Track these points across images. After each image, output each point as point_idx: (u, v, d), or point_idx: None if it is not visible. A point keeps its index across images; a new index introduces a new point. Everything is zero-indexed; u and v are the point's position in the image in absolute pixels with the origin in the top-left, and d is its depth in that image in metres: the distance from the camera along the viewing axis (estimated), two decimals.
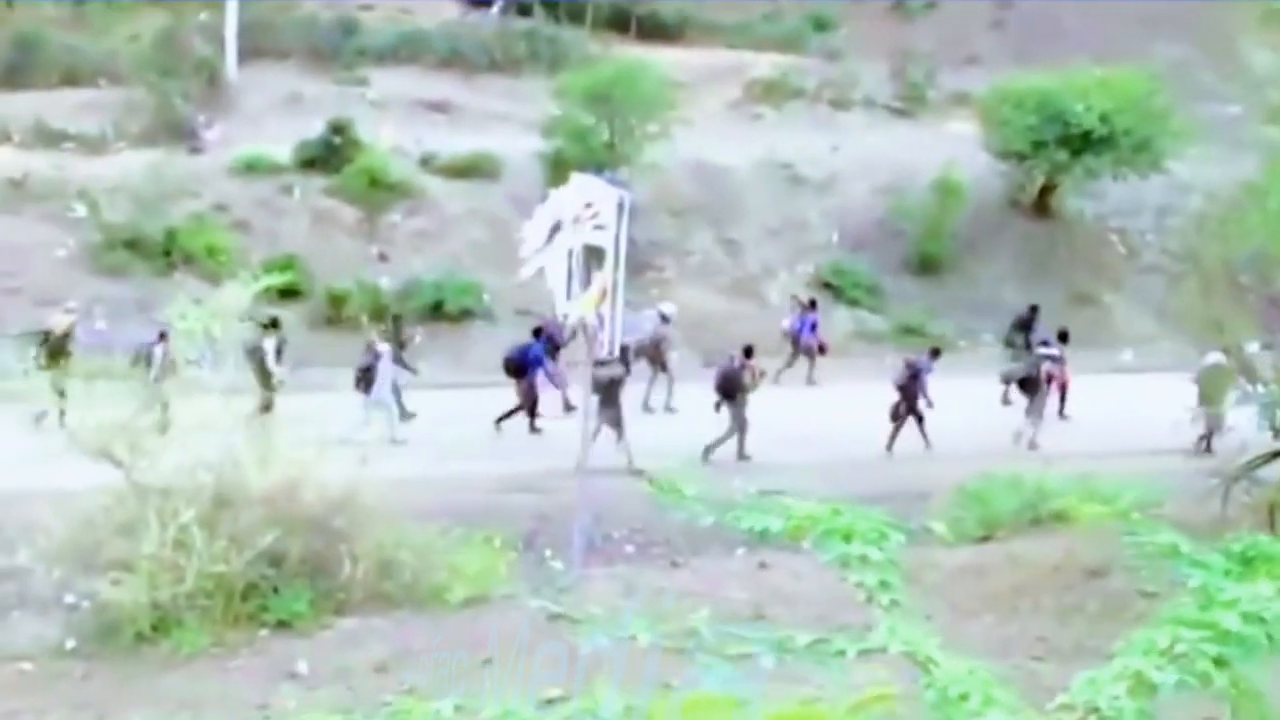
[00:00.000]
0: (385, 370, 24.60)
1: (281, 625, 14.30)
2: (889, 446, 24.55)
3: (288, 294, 30.91)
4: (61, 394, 17.92)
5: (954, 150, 36.60)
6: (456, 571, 15.02)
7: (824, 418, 25.58)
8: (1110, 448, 22.78)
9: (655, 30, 44.95)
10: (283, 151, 34.52)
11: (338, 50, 41.83)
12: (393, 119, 37.07)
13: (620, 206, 16.13)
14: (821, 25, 47.32)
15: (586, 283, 16.34)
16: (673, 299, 30.99)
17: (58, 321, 26.13)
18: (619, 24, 44.86)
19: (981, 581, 15.29)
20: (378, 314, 29.20)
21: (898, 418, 24.68)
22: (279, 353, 25.21)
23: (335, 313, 30.80)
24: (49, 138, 35.19)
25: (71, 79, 38.87)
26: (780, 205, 36.74)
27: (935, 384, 25.21)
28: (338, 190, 34.06)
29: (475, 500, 19.76)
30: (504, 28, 43.71)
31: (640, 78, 35.82)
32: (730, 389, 24.10)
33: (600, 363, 21.44)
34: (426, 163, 35.67)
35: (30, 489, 17.34)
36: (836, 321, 32.74)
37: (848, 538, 3.82)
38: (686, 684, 3.11)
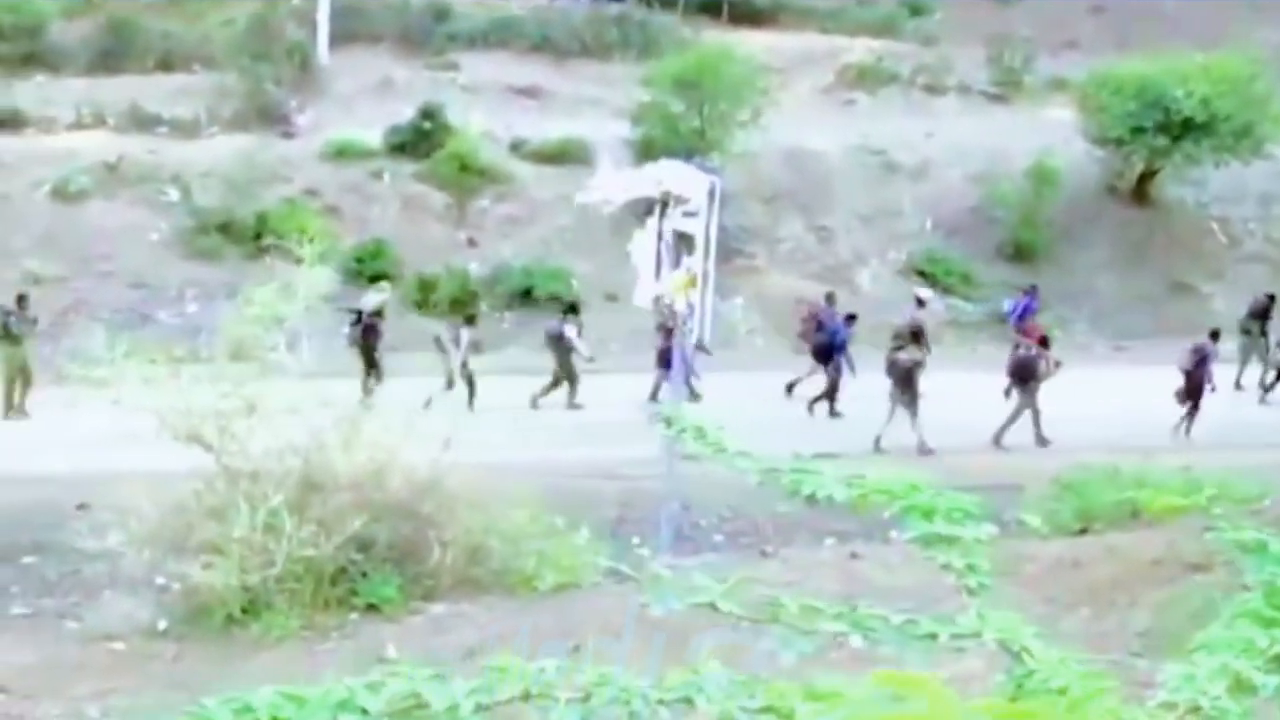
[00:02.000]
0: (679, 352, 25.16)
1: (370, 610, 14.40)
2: (1187, 432, 24.68)
3: (377, 279, 31.18)
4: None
5: (1050, 137, 36.20)
6: (545, 558, 15.04)
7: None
8: (1219, 440, 22.65)
9: (748, 14, 44.71)
10: (373, 136, 34.73)
11: (429, 35, 41.99)
12: (483, 104, 37.18)
13: (711, 193, 16.09)
14: (917, 10, 46.94)
15: (676, 269, 16.30)
16: (763, 286, 30.92)
17: (369, 300, 26.70)
18: (711, 8, 44.67)
19: (1078, 574, 15.09)
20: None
21: (1190, 402, 24.85)
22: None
23: (424, 298, 30.97)
24: (143, 122, 35.60)
25: (165, 64, 39.29)
26: (872, 192, 36.51)
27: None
28: (427, 175, 34.23)
29: (562, 486, 19.77)
30: (595, 12, 43.68)
31: (729, 63, 35.71)
32: (1024, 375, 24.47)
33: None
34: (516, 148, 35.74)
35: (122, 471, 17.56)
36: (930, 309, 32.45)
37: (928, 515, 3.69)
38: (764, 658, 3.07)
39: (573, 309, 26.63)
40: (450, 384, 24.16)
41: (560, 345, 25.69)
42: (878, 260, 35.11)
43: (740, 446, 3.98)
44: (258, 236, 31.44)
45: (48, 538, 17.36)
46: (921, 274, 34.42)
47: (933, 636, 3.27)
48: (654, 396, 25.03)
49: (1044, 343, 25.00)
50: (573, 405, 25.36)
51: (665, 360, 24.76)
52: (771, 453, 3.94)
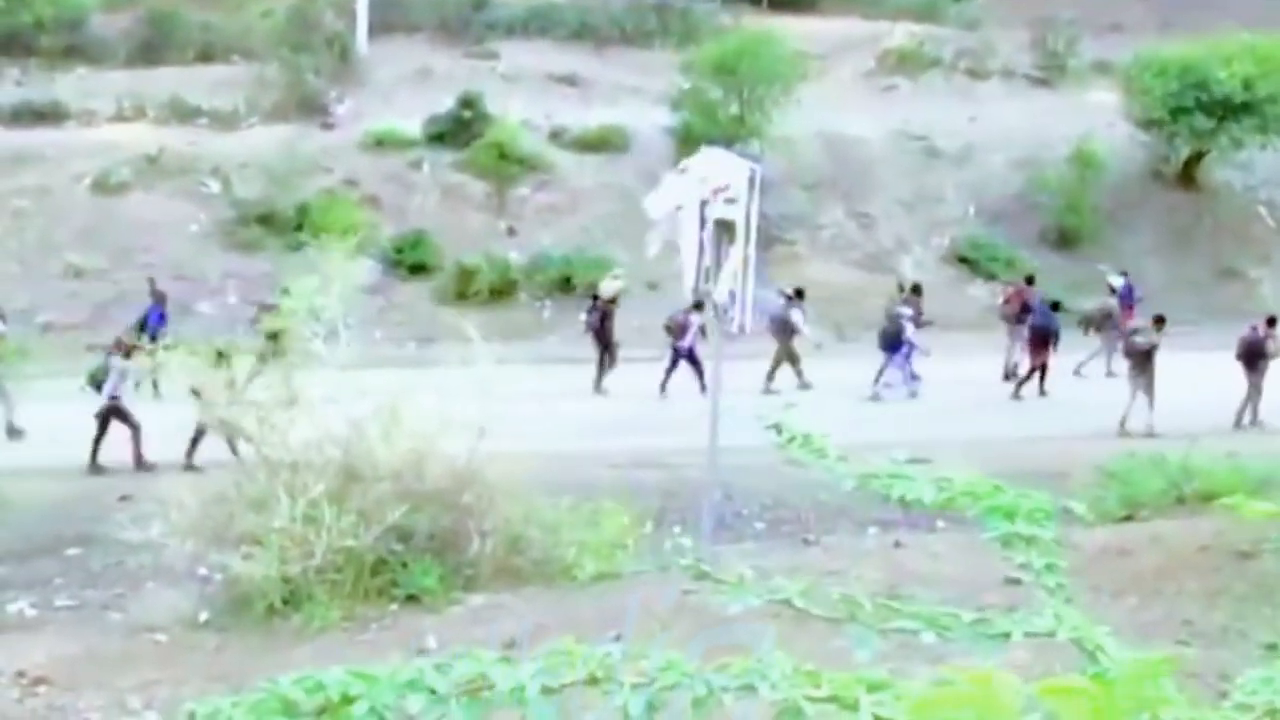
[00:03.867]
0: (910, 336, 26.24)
1: (411, 600, 14.40)
2: (1253, 419, 24.77)
3: (417, 268, 31.23)
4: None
5: (1094, 120, 35.99)
6: (586, 547, 15.01)
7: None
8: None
9: (788, 1, 44.60)
10: (413, 126, 34.78)
11: (468, 24, 42.05)
12: (522, 93, 37.18)
13: (751, 180, 15.99)
14: None
15: (718, 258, 16.22)
16: (804, 274, 30.82)
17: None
18: None
19: (1124, 562, 14.97)
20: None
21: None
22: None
23: (464, 287, 30.99)
24: (183, 114, 35.77)
25: (205, 56, 39.49)
26: (914, 178, 36.36)
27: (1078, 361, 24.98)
28: (467, 165, 34.26)
29: (603, 476, 19.74)
30: (635, 0, 43.66)
31: (766, 49, 35.59)
32: (1253, 356, 24.66)
33: (1135, 331, 24.45)
34: (556, 136, 35.75)
35: (165, 463, 17.66)
36: (973, 296, 32.33)
37: (1011, 516, 3.67)
38: (837, 656, 3.02)
39: (799, 294, 27.41)
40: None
41: (786, 329, 26.49)
42: (920, 247, 34.96)
43: (838, 452, 4.01)
44: (298, 227, 31.51)
45: (91, 530, 17.46)
46: (964, 260, 34.27)
47: (1006, 635, 3.24)
48: (597, 386, 25.78)
49: (1271, 322, 25.27)
50: (803, 385, 25.94)
51: (678, 355, 25.66)
52: (866, 457, 3.95)
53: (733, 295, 16.23)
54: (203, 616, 14.60)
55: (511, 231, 33.30)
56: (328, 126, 35.84)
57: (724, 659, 2.51)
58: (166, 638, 14.18)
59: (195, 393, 16.58)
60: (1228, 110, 34.55)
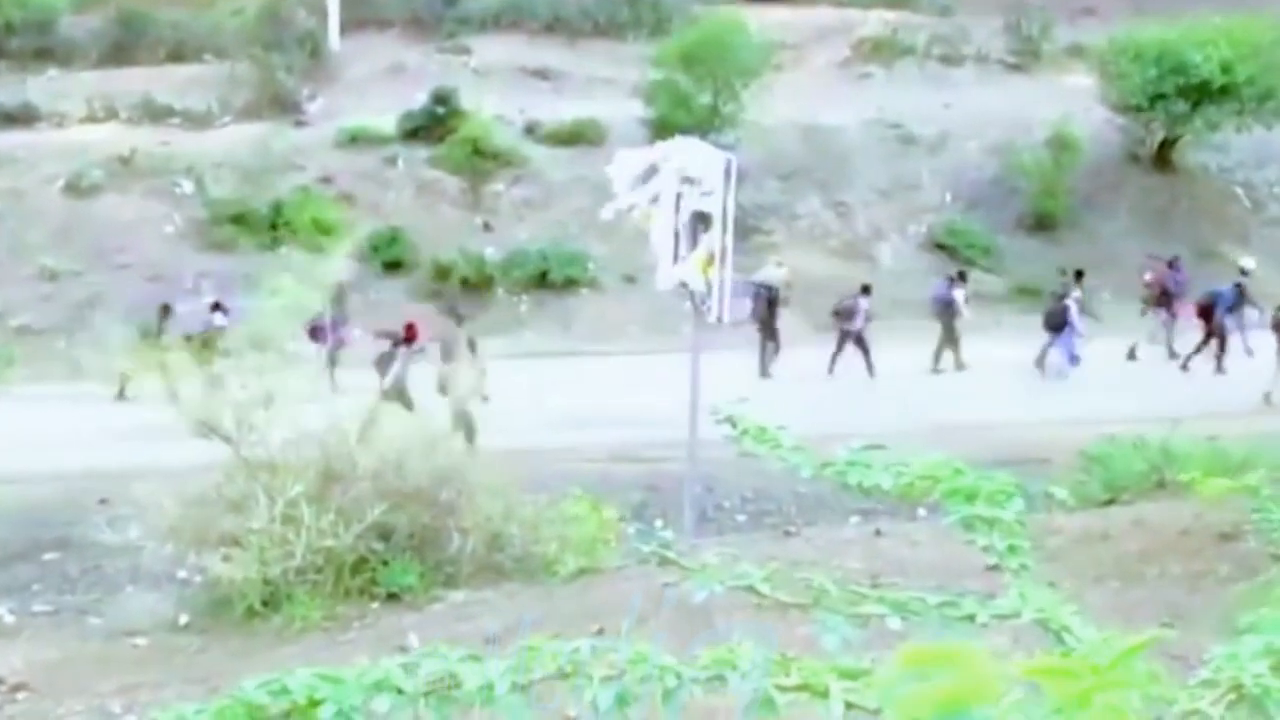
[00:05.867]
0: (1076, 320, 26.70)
1: (391, 599, 14.36)
2: None
3: (392, 266, 31.17)
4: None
5: (1070, 105, 36.05)
6: (566, 543, 14.99)
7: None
8: (1248, 406, 22.66)
9: None
10: (386, 122, 34.73)
11: (439, 19, 41.98)
12: (496, 87, 37.13)
13: (727, 170, 15.97)
14: None
15: (694, 249, 16.20)
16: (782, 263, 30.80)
17: (771, 274, 27.66)
18: None
19: (1105, 547, 15.00)
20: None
21: None
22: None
23: (440, 284, 30.94)
24: (155, 113, 35.66)
25: (177, 55, 39.37)
26: (890, 166, 36.39)
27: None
28: (441, 160, 34.22)
29: (584, 471, 19.73)
30: None
31: (735, 38, 35.58)
32: None
33: None
34: (530, 131, 35.72)
35: (143, 466, 17.55)
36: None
37: (971, 498, 3.66)
38: (806, 644, 3.01)
39: (961, 275, 28.17)
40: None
41: (948, 310, 27.02)
42: (898, 235, 35.00)
43: (794, 442, 3.99)
44: (273, 226, 31.46)
45: (69, 534, 17.41)
46: (942, 247, 34.31)
47: (971, 618, 3.24)
48: (763, 371, 26.54)
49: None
50: (960, 366, 26.67)
51: (846, 337, 26.38)
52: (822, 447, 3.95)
53: (709, 285, 16.21)
54: (183, 619, 14.55)
55: (487, 227, 33.26)
56: (301, 124, 35.77)
57: (697, 650, 2.50)
58: (146, 641, 14.13)
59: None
60: (1205, 94, 34.63)
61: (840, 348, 26.55)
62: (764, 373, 26.55)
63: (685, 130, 24.09)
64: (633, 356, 26.01)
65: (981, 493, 3.63)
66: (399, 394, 21.47)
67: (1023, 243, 34.73)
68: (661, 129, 31.11)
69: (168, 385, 17.12)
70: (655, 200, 15.99)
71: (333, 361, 24.17)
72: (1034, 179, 35.26)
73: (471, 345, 22.02)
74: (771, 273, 27.96)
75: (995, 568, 3.61)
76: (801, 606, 3.14)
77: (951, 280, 27.83)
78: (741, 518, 19.55)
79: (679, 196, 16.05)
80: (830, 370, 26.40)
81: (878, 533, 16.25)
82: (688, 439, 16.45)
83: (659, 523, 18.19)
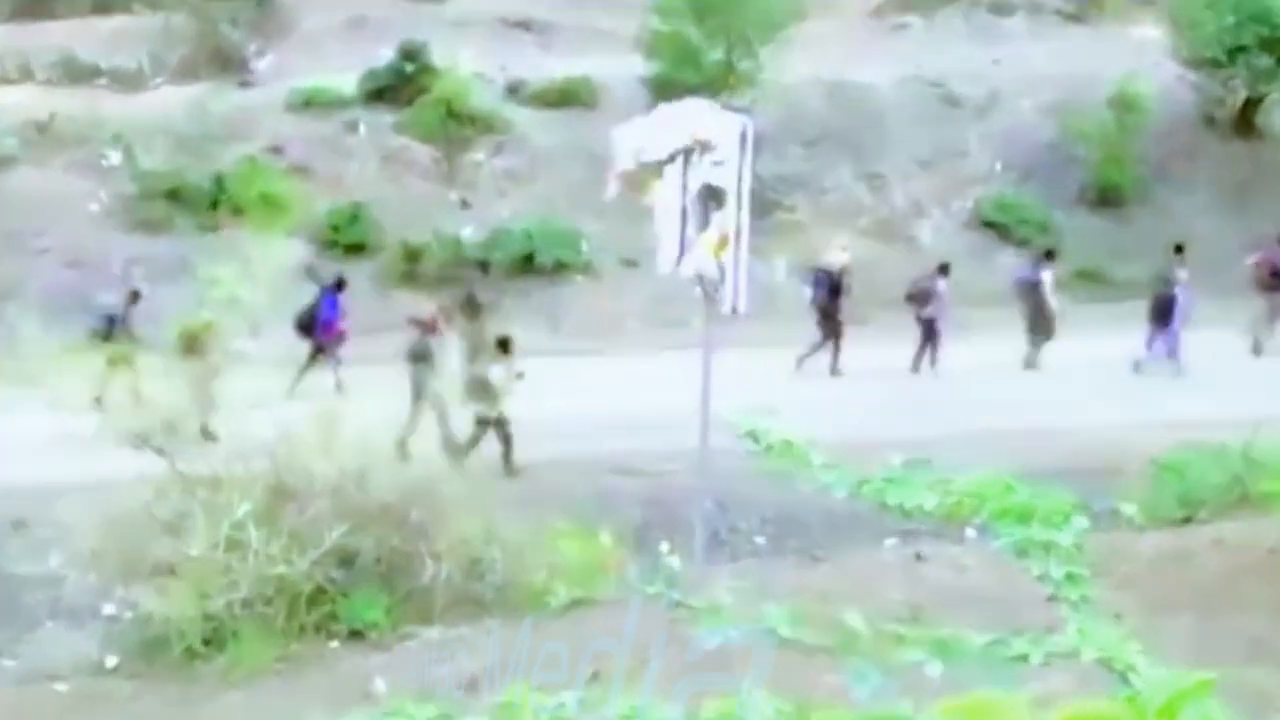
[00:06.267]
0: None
1: (354, 636, 14.36)
2: None
3: (354, 248, 31.14)
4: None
5: (1136, 60, 35.98)
6: (557, 570, 14.98)
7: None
8: None
9: None
10: (346, 82, 34.68)
11: None
12: (473, 41, 37.08)
13: (742, 137, 15.94)
14: None
15: (704, 229, 16.18)
16: (806, 244, 30.80)
17: (834, 259, 27.99)
18: None
19: (1181, 571, 14.98)
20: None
21: None
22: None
23: (409, 269, 30.89)
24: (77, 73, 35.62)
25: (102, 6, 39.36)
26: (932, 131, 36.34)
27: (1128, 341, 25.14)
28: (410, 126, 34.17)
29: (577, 487, 19.71)
30: None
31: None
32: None
33: None
34: (514, 91, 35.68)
35: (64, 482, 17.55)
36: (1001, 266, 32.31)
37: (1025, 519, 3.62)
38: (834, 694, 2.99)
39: (1050, 254, 28.50)
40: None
41: (1035, 293, 27.38)
42: (940, 211, 34.96)
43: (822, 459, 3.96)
44: (214, 203, 31.40)
45: None
46: (990, 225, 34.28)
47: (1023, 658, 3.21)
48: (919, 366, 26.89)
49: None
50: (1033, 364, 27.14)
51: (832, 323, 26.82)
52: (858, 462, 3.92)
53: (722, 270, 16.18)
54: (110, 661, 14.55)
55: (464, 203, 33.23)
56: (246, 85, 35.73)
57: (707, 699, 2.47)
58: (68, 687, 14.12)
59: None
60: None
61: (926, 340, 27.09)
62: (834, 370, 26.97)
63: (694, 90, 24.12)
64: (634, 353, 25.99)
65: (1037, 512, 3.60)
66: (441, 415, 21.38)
67: (1084, 219, 34.67)
68: (666, 89, 31.08)
69: (109, 388, 17.17)
70: (659, 172, 15.97)
71: (336, 360, 24.34)
72: (1096, 145, 35.19)
73: (504, 344, 21.79)
74: (835, 257, 28.25)
75: (1054, 598, 3.59)
76: (829, 651, 3.12)
77: (1041, 259, 28.17)
78: (760, 540, 19.54)
79: (686, 167, 16.03)
80: (915, 367, 26.92)
81: (919, 557, 16.23)
82: (697, 449, 16.44)
83: (664, 546, 18.18)
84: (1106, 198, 35.11)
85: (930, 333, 26.86)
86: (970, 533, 15.82)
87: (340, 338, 25.11)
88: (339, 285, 26.10)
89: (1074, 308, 28.53)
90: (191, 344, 18.44)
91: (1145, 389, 24.75)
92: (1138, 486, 17.97)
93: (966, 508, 3.61)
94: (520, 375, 21.26)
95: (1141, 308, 27.84)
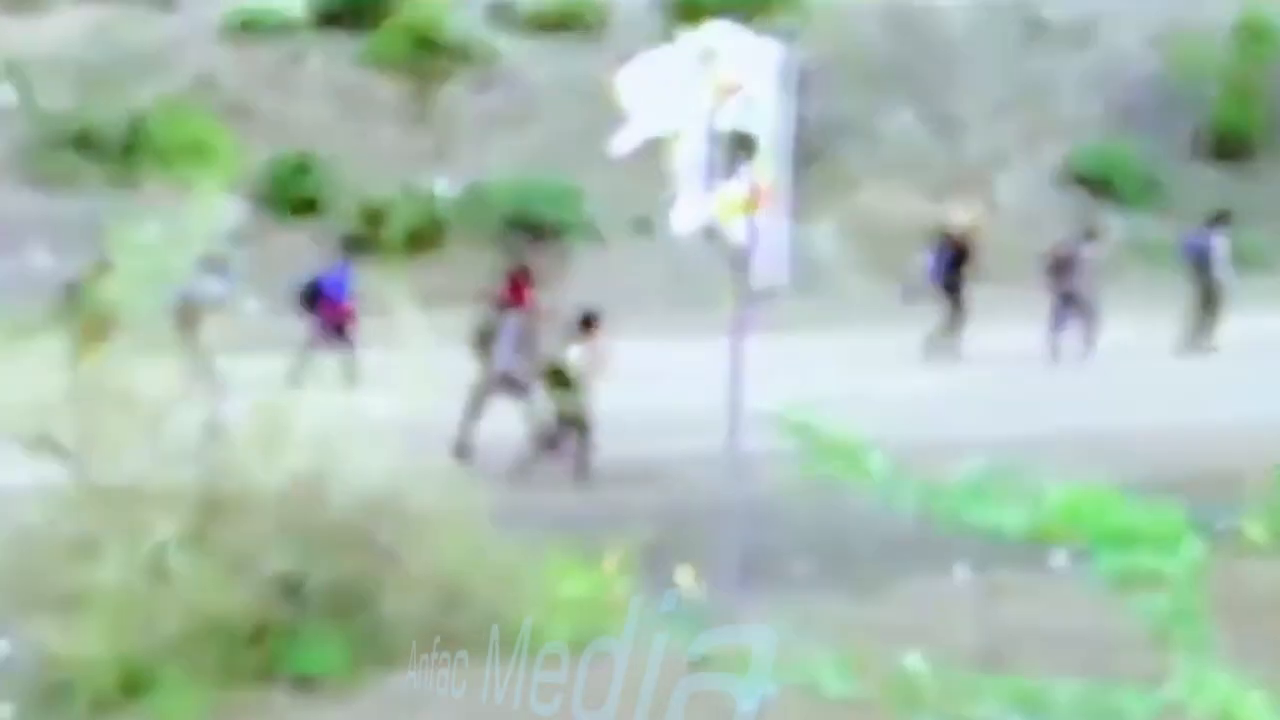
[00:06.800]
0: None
1: (302, 683, 14.41)
2: None
3: (302, 206, 31.17)
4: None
5: None
6: (551, 602, 15.02)
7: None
8: None
9: None
10: (292, 2, 34.68)
11: None
12: None
13: (784, 70, 15.97)
14: None
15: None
16: (859, 204, 30.85)
17: (957, 218, 28.86)
18: None
19: None
20: None
21: None
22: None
23: (371, 232, 30.90)
24: None
25: None
26: (1015, 64, 36.38)
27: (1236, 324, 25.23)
28: (372, 57, 34.21)
29: (576, 499, 19.77)
30: None
31: None
32: None
33: None
34: (500, 12, 35.70)
35: None
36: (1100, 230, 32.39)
37: (1127, 542, 3.63)
38: None
39: (1221, 217, 28.75)
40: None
41: (1206, 262, 28.08)
42: (1024, 161, 35.04)
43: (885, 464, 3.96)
44: (129, 151, 31.42)
45: None
46: (1085, 181, 34.29)
47: (1123, 714, 3.24)
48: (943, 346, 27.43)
49: None
50: (1204, 346, 27.90)
51: (1070, 300, 27.25)
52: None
53: (755, 233, 16.19)
54: (4, 711, 14.61)
55: (438, 152, 33.27)
56: (169, 6, 35.75)
57: None
58: None
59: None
60: None
61: (1062, 315, 27.45)
62: (953, 351, 27.51)
63: (722, 12, 24.07)
64: (647, 336, 26.01)
65: (1142, 534, 3.61)
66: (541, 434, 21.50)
67: (1200, 173, 34.75)
68: (688, 10, 31.10)
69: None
70: (682, 119, 15.97)
71: (351, 345, 24.53)
72: (1216, 82, 35.20)
73: (588, 322, 21.76)
74: (957, 216, 28.86)
75: (1161, 640, 3.60)
76: (886, 705, 3.15)
77: (1212, 224, 28.51)
78: (802, 567, 19.56)
79: (712, 107, 16.05)
80: (1053, 350, 27.31)
81: (994, 590, 16.28)
82: (726, 453, 16.47)
83: (685, 573, 18.21)
84: (1227, 147, 35.17)
85: (1075, 310, 27.32)
86: (1058, 559, 15.86)
87: (351, 318, 25.26)
88: (349, 255, 26.44)
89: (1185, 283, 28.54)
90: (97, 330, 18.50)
91: (1270, 379, 24.75)
92: (1265, 501, 17.98)
93: (1057, 529, 3.59)
94: (607, 358, 21.31)
95: (1270, 280, 27.98)
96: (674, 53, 16.51)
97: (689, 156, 16.04)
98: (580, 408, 21.02)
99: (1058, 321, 27.33)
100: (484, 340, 22.13)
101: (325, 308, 25.13)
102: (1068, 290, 27.33)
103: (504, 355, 21.82)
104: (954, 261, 27.77)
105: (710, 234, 16.53)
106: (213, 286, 24.24)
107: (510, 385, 21.65)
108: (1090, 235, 27.84)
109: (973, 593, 16.52)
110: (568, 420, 21.07)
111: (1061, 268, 27.47)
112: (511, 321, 22.24)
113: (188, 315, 22.29)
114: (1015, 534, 3.64)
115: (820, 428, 3.94)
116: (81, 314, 19.14)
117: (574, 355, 21.15)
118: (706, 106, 15.85)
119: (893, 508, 3.74)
